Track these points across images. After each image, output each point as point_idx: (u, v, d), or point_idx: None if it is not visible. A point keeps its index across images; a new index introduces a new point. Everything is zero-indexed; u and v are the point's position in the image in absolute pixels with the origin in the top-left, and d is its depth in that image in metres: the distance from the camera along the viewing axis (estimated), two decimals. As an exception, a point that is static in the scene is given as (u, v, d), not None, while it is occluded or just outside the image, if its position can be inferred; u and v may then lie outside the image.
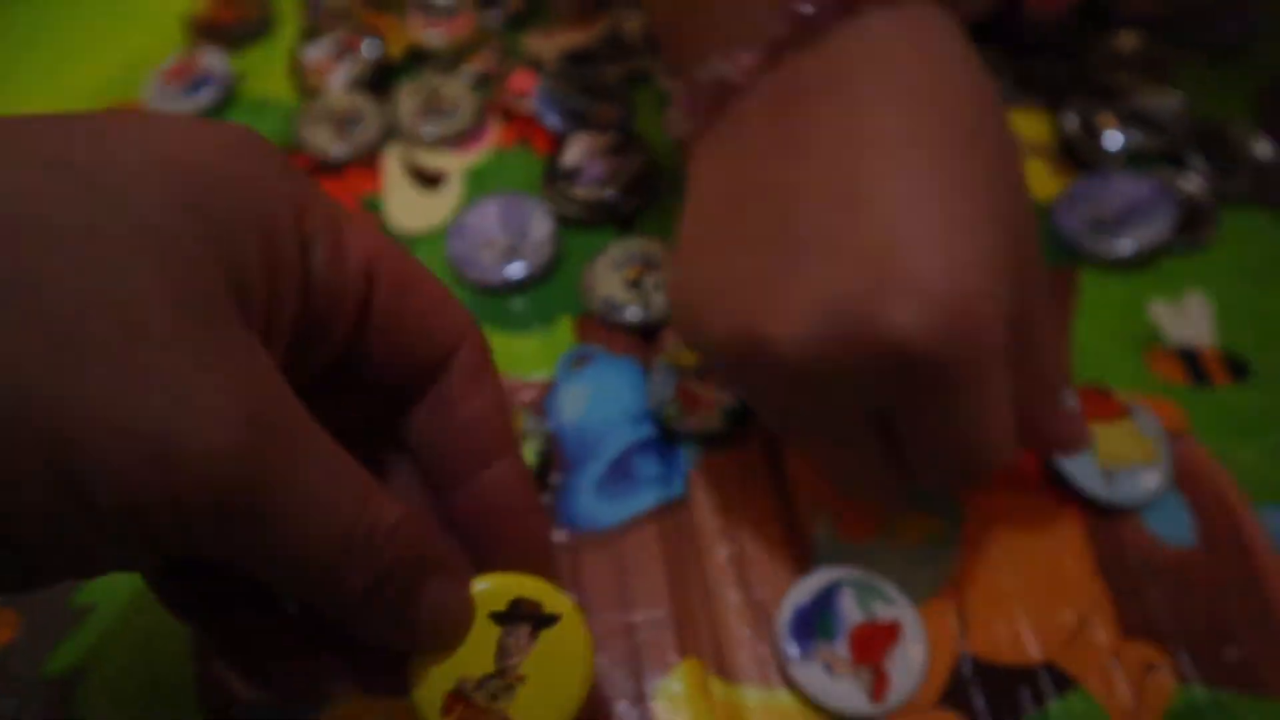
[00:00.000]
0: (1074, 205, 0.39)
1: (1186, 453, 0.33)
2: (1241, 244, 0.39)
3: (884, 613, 0.30)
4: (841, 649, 0.29)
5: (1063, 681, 0.29)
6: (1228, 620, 0.30)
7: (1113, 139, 0.40)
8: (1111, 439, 0.33)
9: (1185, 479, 0.33)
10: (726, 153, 0.27)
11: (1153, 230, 0.37)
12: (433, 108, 0.44)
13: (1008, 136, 0.26)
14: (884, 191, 0.23)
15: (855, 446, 0.27)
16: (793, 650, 0.29)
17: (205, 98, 0.46)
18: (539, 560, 0.23)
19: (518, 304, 0.38)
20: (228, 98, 0.47)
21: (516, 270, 0.38)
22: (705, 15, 0.28)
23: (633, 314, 0.36)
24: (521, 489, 0.23)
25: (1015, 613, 0.30)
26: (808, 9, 0.25)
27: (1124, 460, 0.32)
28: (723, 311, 0.26)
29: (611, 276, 0.37)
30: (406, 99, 0.44)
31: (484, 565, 0.22)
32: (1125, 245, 0.37)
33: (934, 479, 0.27)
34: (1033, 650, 0.30)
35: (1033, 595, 0.31)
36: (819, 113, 0.25)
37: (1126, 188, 0.39)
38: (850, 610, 0.30)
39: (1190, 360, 0.36)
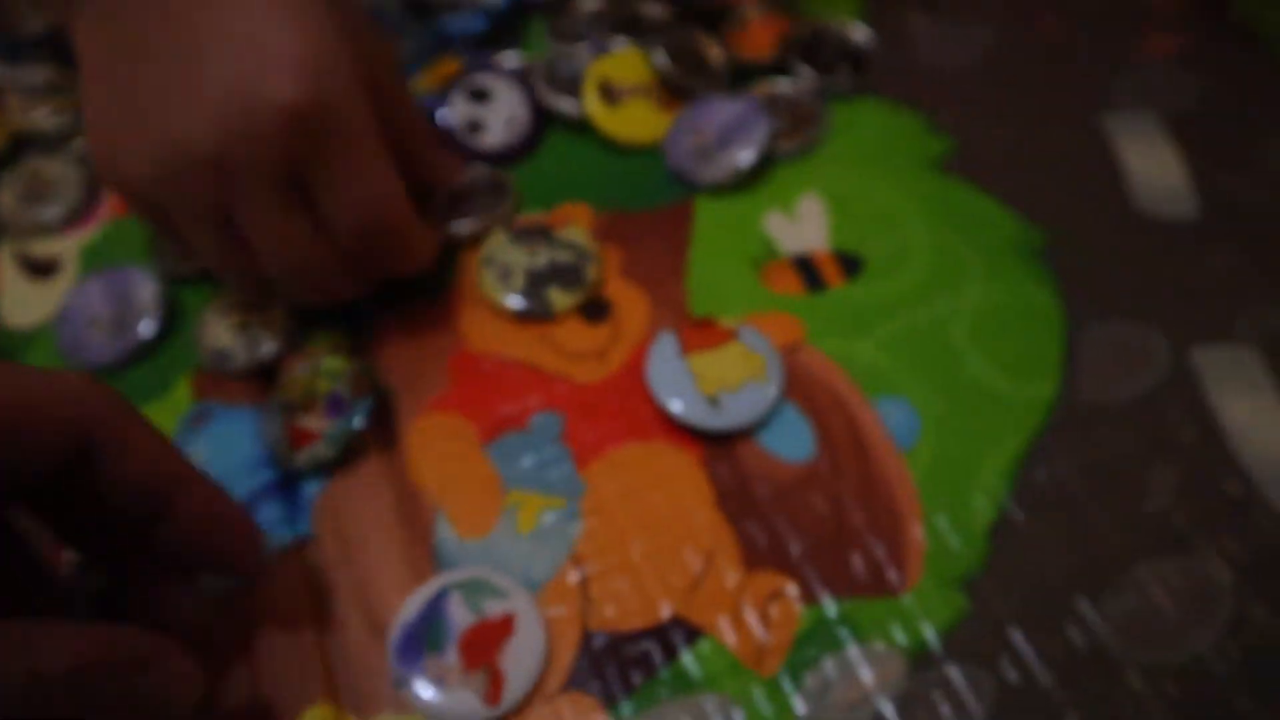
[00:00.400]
0: (679, 138, 0.38)
1: (804, 362, 0.33)
2: (848, 138, 0.39)
3: (495, 608, 0.28)
4: (451, 658, 0.28)
5: (692, 633, 0.28)
6: (852, 527, 0.30)
7: (714, 62, 0.40)
8: (718, 364, 0.32)
9: (801, 389, 0.32)
10: (102, 16, 0.30)
11: (749, 145, 0.37)
12: (37, 192, 0.42)
13: None
14: (242, 7, 0.28)
15: (284, 225, 0.30)
16: (401, 671, 0.28)
17: None
18: (253, 544, 0.28)
19: (136, 376, 0.36)
20: None
21: (126, 342, 0.36)
22: None
23: (241, 359, 0.35)
24: (218, 499, 0.27)
25: (643, 573, 0.29)
26: None
27: (733, 384, 0.32)
28: (140, 144, 0.29)
29: (219, 326, 0.36)
30: (6, 189, 0.42)
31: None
32: (722, 167, 0.37)
33: (353, 236, 0.30)
34: (663, 610, 0.29)
35: (659, 552, 0.30)
36: None
37: (723, 110, 0.38)
38: (459, 614, 0.28)
39: (805, 267, 0.35)
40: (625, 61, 0.40)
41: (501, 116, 0.39)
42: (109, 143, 0.30)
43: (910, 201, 0.36)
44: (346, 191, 0.29)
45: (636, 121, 0.39)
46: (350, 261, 0.32)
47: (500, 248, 0.35)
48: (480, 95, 0.40)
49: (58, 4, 0.32)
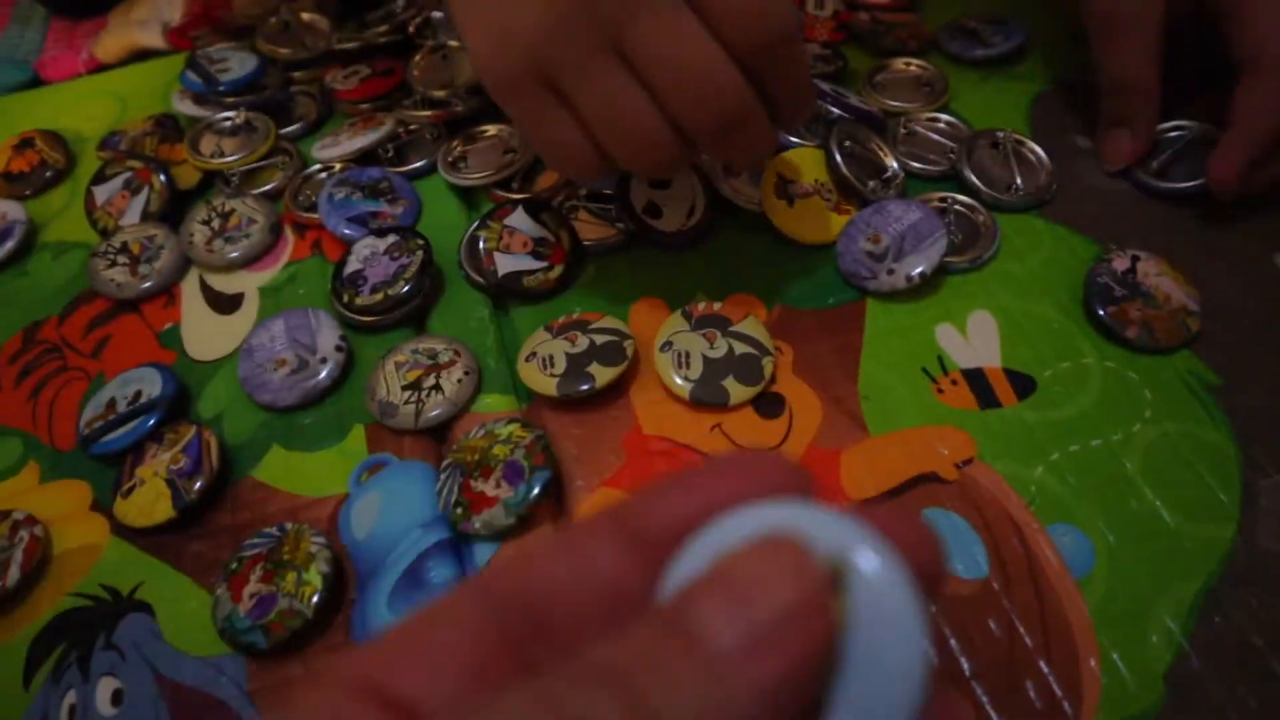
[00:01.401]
0: (853, 241, 0.39)
1: (976, 479, 0.33)
2: (1020, 256, 0.39)
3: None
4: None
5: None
6: (1025, 652, 0.30)
7: (889, 168, 0.41)
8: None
9: (975, 506, 0.33)
10: None
11: (926, 256, 0.37)
12: (224, 230, 0.44)
13: None
14: None
15: (691, 25, 0.29)
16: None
17: (6, 248, 0.45)
18: None
19: (309, 420, 0.38)
20: (28, 245, 0.47)
21: (306, 386, 0.38)
22: None
23: (404, 418, 0.36)
24: None
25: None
26: None
27: (908, 498, 0.32)
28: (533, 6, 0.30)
29: (393, 379, 0.37)
30: (198, 225, 0.44)
31: None
32: (897, 275, 0.37)
33: (745, 33, 0.30)
34: None
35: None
36: None
37: (900, 217, 0.39)
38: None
39: (978, 383, 0.36)
40: (803, 158, 0.41)
41: (682, 204, 0.40)
42: (496, 32, 0.31)
43: (1083, 328, 0.37)
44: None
45: (811, 220, 0.40)
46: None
47: (680, 334, 0.36)
48: (660, 181, 0.41)
49: None
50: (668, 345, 0.36)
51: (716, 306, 0.37)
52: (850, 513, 0.14)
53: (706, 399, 0.35)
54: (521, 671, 0.14)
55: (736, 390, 0.35)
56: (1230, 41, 0.38)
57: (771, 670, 0.12)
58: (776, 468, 0.16)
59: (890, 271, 0.38)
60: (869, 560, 0.14)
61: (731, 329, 0.36)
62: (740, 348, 0.36)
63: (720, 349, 0.36)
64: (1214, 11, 0.39)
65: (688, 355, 0.36)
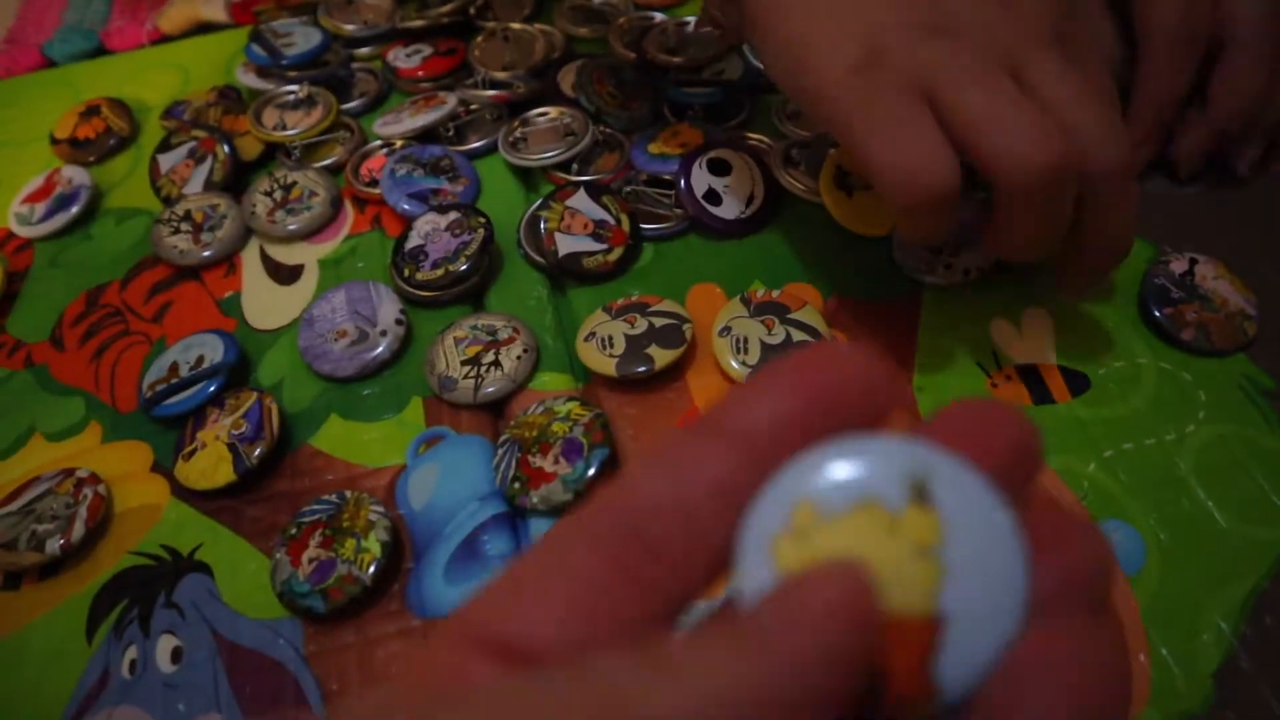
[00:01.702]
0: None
1: (1029, 474, 0.33)
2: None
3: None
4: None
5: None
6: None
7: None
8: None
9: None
10: None
11: (981, 251, 0.38)
12: (287, 202, 0.44)
13: None
14: None
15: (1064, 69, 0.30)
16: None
17: (71, 212, 0.46)
18: None
19: (369, 391, 0.38)
20: (93, 210, 0.47)
21: (366, 358, 0.38)
22: None
23: (462, 393, 0.36)
24: None
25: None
26: None
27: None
28: (901, 12, 0.31)
29: (452, 354, 0.37)
30: (260, 196, 0.45)
31: None
32: (953, 270, 0.38)
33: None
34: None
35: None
36: None
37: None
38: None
39: (1032, 378, 0.36)
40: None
41: (741, 192, 0.41)
42: (867, 33, 0.31)
43: (1137, 328, 0.37)
44: None
45: (869, 212, 0.40)
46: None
47: (739, 320, 0.37)
48: (720, 168, 0.41)
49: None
50: (726, 330, 0.36)
51: (775, 294, 0.38)
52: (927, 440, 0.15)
53: (763, 384, 0.35)
54: (639, 596, 0.14)
55: None
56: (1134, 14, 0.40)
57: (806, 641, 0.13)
58: (855, 361, 0.16)
59: (947, 266, 0.38)
60: (951, 475, 0.14)
61: (789, 316, 0.37)
62: (798, 335, 0.36)
63: (778, 335, 0.36)
64: None
65: (746, 340, 0.36)
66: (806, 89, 0.32)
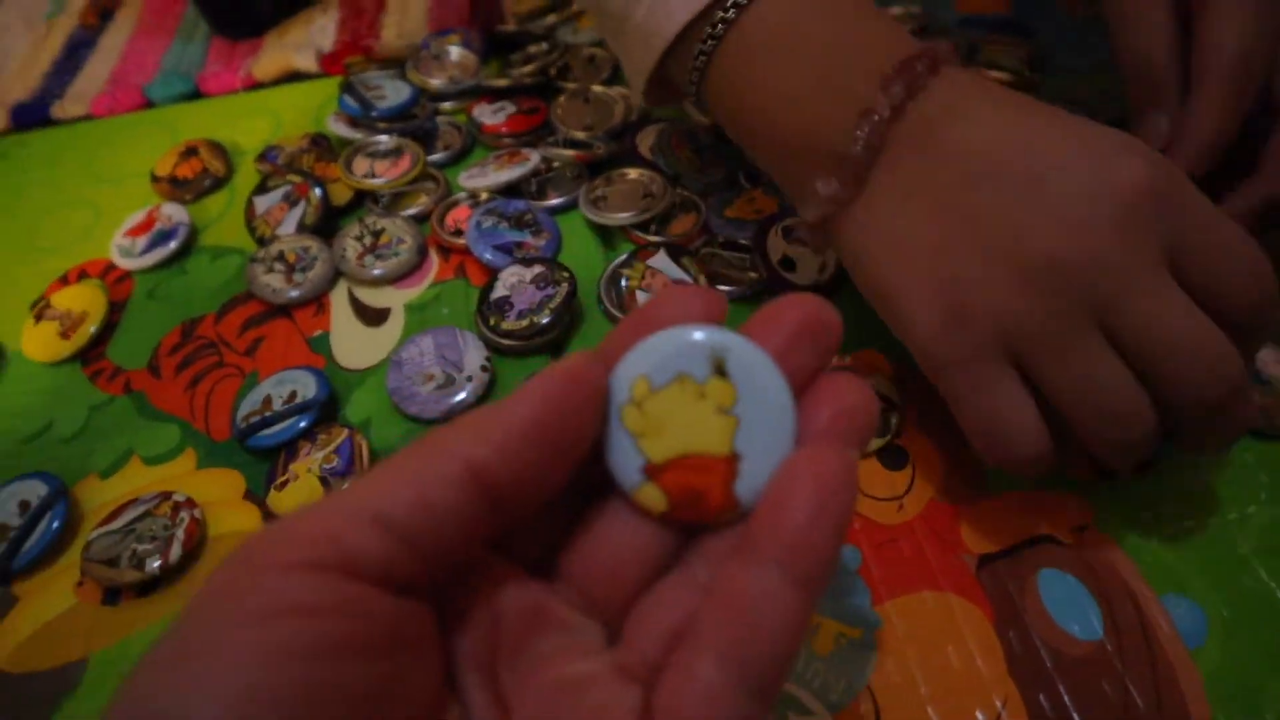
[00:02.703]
0: None
1: (1092, 544, 0.35)
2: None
3: (797, 724, 0.31)
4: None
5: (976, 784, 0.30)
6: (1136, 712, 0.31)
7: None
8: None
9: (1090, 571, 0.34)
10: (893, 195, 0.32)
11: None
12: (375, 247, 0.47)
13: None
14: (1053, 134, 0.30)
15: (1175, 306, 0.29)
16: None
17: (170, 247, 0.49)
18: None
19: (454, 433, 0.40)
20: (189, 246, 0.50)
21: (452, 401, 0.40)
22: (825, 112, 0.34)
23: None
24: None
25: (929, 715, 0.31)
26: (920, 67, 0.32)
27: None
28: (995, 271, 0.30)
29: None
30: (351, 241, 0.47)
31: None
32: None
33: (1241, 311, 0.30)
34: (948, 756, 0.30)
35: (946, 697, 0.32)
36: (957, 131, 0.31)
37: None
38: (765, 723, 0.31)
39: (1095, 452, 0.37)
40: None
41: (816, 259, 0.43)
42: (954, 301, 0.30)
43: (1199, 407, 0.38)
44: (1221, 249, 0.29)
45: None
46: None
47: None
48: (794, 236, 0.43)
49: (831, 225, 0.35)
50: None
51: (846, 360, 0.39)
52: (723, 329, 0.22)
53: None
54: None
55: None
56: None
57: None
58: (699, 296, 0.23)
59: None
60: (742, 352, 0.21)
61: None
62: None
63: None
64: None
65: None
66: (907, 341, 0.33)
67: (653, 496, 0.22)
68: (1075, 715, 0.31)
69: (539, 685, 0.21)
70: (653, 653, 0.21)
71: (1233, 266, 0.29)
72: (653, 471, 0.22)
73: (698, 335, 0.22)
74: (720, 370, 0.21)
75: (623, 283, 0.43)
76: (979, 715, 0.31)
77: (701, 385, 0.21)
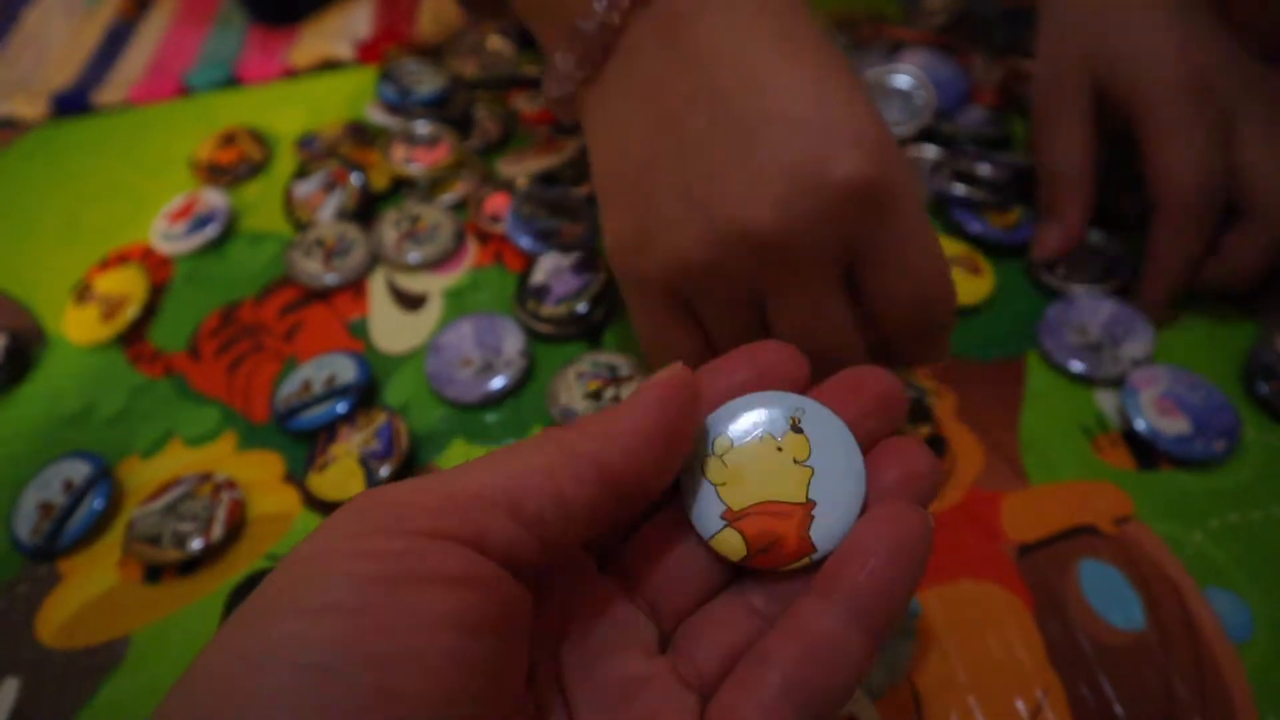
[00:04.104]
0: (1060, 336, 0.40)
1: (1134, 536, 0.34)
2: (1182, 329, 0.40)
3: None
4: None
5: (1017, 772, 0.30)
6: (1179, 704, 0.31)
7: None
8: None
9: (1130, 562, 0.34)
10: (626, 88, 0.31)
11: (1140, 341, 0.40)
12: (414, 233, 0.47)
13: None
14: (793, 79, 0.28)
15: (831, 306, 0.29)
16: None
17: (209, 233, 0.49)
18: None
19: (493, 418, 0.40)
20: (229, 231, 0.50)
21: (491, 386, 0.40)
22: None
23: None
24: None
25: (969, 704, 0.31)
26: None
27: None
28: (691, 229, 0.29)
29: (574, 387, 0.39)
30: (389, 227, 0.47)
31: None
32: (1120, 362, 0.39)
33: (904, 313, 0.30)
34: (988, 744, 0.30)
35: (987, 686, 0.31)
36: (703, 32, 0.29)
37: (1098, 310, 0.41)
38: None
39: (1137, 444, 0.37)
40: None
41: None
42: (641, 229, 0.30)
43: (1244, 403, 0.38)
44: (903, 265, 0.29)
45: (959, 288, 0.42)
46: (879, 350, 0.31)
47: None
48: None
49: (573, 104, 0.34)
50: None
51: None
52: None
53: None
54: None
55: (907, 430, 0.37)
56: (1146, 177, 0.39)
57: None
58: (777, 353, 0.25)
59: (1112, 359, 0.39)
60: (817, 414, 0.24)
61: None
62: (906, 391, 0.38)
63: None
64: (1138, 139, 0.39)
65: None
66: (610, 251, 0.33)
67: (732, 542, 0.23)
68: (1117, 705, 0.31)
69: (601, 677, 0.22)
70: (706, 666, 0.22)
71: (908, 291, 0.29)
72: (732, 518, 0.23)
73: (777, 399, 0.24)
74: (796, 427, 0.24)
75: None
76: (1019, 704, 0.31)
77: (779, 440, 0.23)
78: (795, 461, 0.23)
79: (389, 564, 0.18)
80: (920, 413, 0.37)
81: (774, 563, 0.23)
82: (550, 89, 0.33)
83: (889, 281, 0.29)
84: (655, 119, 0.30)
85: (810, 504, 0.23)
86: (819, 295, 0.29)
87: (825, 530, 0.22)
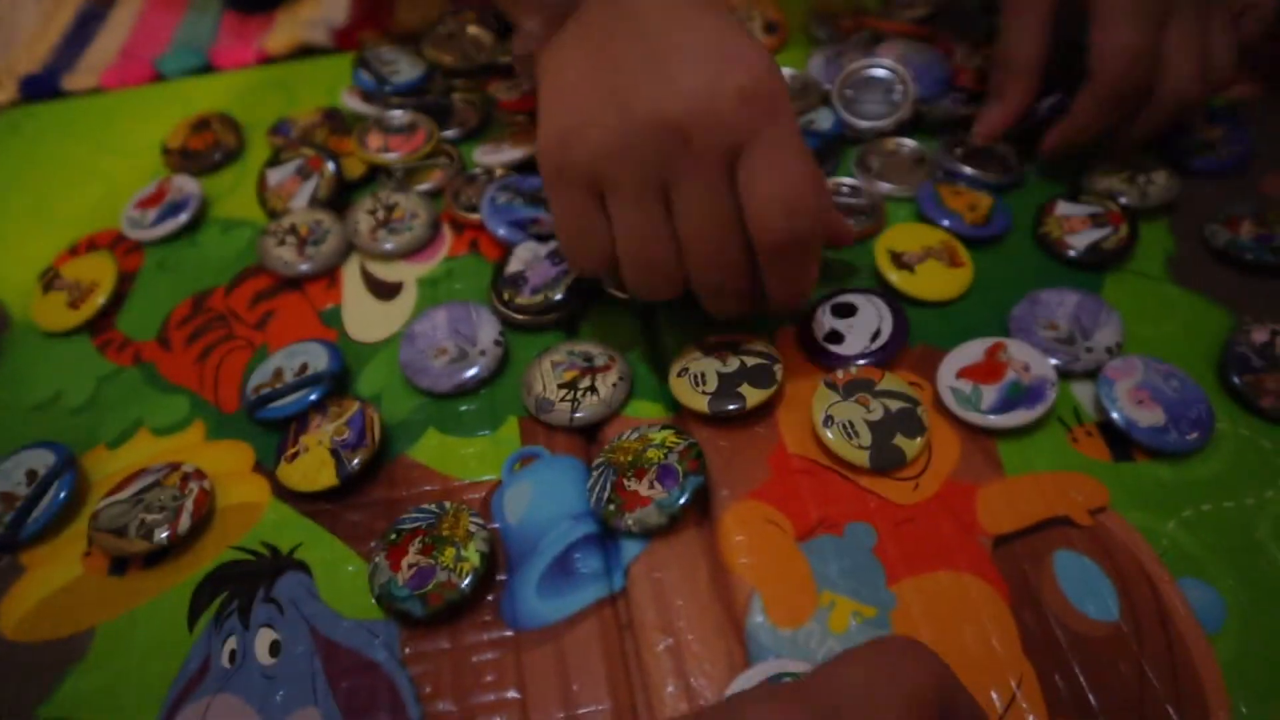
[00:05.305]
0: (1031, 329, 0.40)
1: (1108, 526, 0.34)
2: (1155, 321, 0.41)
3: (812, 700, 0.30)
4: (773, 739, 0.30)
5: (990, 764, 0.30)
6: (1155, 699, 0.31)
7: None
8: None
9: (1105, 552, 0.34)
10: (575, 38, 0.37)
11: (1109, 328, 0.40)
12: (388, 222, 0.46)
13: None
14: (703, 23, 0.35)
15: (717, 202, 0.34)
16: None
17: (181, 219, 0.48)
18: None
19: (467, 407, 0.40)
20: (201, 218, 0.50)
21: (465, 376, 0.40)
22: None
23: (559, 415, 0.38)
24: None
25: (944, 695, 0.31)
26: None
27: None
28: (609, 119, 0.34)
29: (549, 377, 0.39)
30: (363, 215, 0.47)
31: None
32: (1095, 354, 0.39)
33: (769, 224, 0.34)
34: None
35: (962, 676, 0.31)
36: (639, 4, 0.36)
37: (1062, 303, 0.41)
38: (781, 700, 0.30)
39: (1112, 435, 0.37)
40: (906, 232, 0.45)
41: (863, 333, 0.41)
42: (570, 126, 0.35)
43: (1217, 394, 0.38)
44: (775, 162, 0.33)
45: (935, 281, 0.42)
46: (763, 259, 0.35)
47: (836, 406, 0.37)
48: (846, 311, 0.42)
49: (531, 36, 0.40)
50: (829, 420, 0.37)
51: (854, 371, 0.39)
52: None
53: (886, 464, 0.36)
54: None
55: (908, 445, 0.36)
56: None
57: None
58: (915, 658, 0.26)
59: (1087, 351, 0.39)
60: None
61: (877, 389, 0.38)
62: (894, 404, 0.37)
63: (877, 411, 0.37)
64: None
65: (853, 424, 0.37)
66: (540, 150, 0.37)
67: None
68: (1090, 696, 0.31)
69: None
70: None
71: (779, 188, 0.34)
72: None
73: None
74: None
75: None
76: (994, 695, 0.31)
77: None
78: None
79: None
80: (915, 424, 0.37)
81: None
82: (517, 47, 0.41)
83: (762, 175, 0.33)
84: (591, 52, 0.36)
85: None
86: (712, 182, 0.34)
87: None
